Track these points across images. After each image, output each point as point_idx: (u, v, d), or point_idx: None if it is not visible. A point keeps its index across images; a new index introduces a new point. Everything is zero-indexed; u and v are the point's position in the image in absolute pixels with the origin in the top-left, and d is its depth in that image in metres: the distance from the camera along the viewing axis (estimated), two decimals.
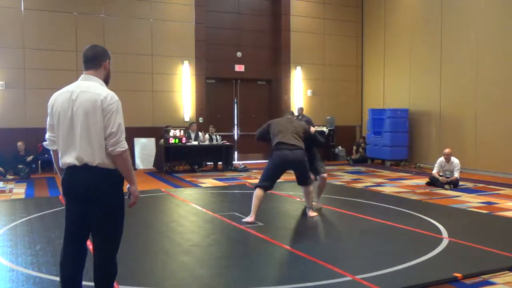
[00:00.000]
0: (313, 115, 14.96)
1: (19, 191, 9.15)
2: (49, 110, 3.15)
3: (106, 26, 12.62)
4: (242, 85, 14.70)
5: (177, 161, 12.49)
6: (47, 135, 3.18)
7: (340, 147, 15.28)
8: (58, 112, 3.07)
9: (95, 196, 3.03)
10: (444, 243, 5.19)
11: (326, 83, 15.34)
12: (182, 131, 11.92)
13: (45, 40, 12.02)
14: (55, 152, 3.17)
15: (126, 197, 3.15)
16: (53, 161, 3.27)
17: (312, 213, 6.67)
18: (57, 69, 12.13)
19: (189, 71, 13.49)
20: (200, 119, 13.61)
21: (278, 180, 6.53)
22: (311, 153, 6.92)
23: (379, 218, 6.47)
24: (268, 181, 6.32)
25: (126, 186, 3.17)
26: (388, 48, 14.77)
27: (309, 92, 15.15)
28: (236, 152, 13.81)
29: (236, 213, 6.75)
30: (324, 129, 14.82)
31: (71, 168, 3.05)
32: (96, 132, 2.99)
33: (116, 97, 3.12)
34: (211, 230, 6.09)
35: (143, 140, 13.03)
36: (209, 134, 12.81)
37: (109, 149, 2.99)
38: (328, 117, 15.09)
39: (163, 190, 9.08)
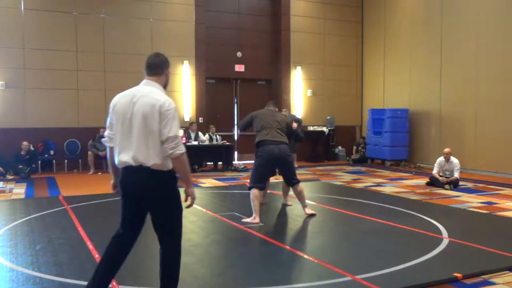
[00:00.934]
0: (313, 115, 15.05)
1: (19, 191, 9.15)
2: (110, 110, 3.35)
3: (106, 26, 12.62)
4: (242, 85, 14.70)
5: None
6: (106, 133, 3.39)
7: (340, 147, 15.28)
8: (118, 113, 3.27)
9: (148, 195, 3.24)
10: (444, 243, 5.19)
11: (326, 83, 15.34)
12: (182, 131, 11.92)
13: (45, 40, 12.02)
14: (111, 149, 3.36)
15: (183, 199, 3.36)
16: (108, 157, 3.48)
17: (308, 211, 6.66)
18: (57, 69, 12.14)
19: (189, 71, 13.49)
20: (200, 119, 13.62)
21: (278, 181, 6.53)
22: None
23: (379, 218, 6.47)
24: (262, 182, 6.37)
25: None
26: (388, 48, 14.77)
27: (309, 92, 15.15)
28: (236, 152, 13.81)
29: (236, 213, 6.75)
30: (324, 129, 14.85)
31: (126, 168, 3.25)
32: (152, 134, 3.17)
33: (173, 104, 3.28)
34: (211, 230, 6.09)
35: None
36: (209, 134, 12.80)
37: (168, 152, 3.16)
38: (328, 117, 15.09)
39: None
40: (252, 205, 6.25)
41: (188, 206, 3.41)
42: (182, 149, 3.20)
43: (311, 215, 6.62)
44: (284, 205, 7.41)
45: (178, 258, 3.48)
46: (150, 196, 3.25)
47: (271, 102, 7.41)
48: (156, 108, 3.19)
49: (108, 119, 3.36)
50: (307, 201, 6.80)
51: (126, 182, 3.29)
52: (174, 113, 3.22)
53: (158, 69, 3.42)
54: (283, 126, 6.60)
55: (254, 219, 6.17)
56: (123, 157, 3.23)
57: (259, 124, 6.56)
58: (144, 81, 3.44)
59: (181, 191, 3.43)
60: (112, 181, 3.58)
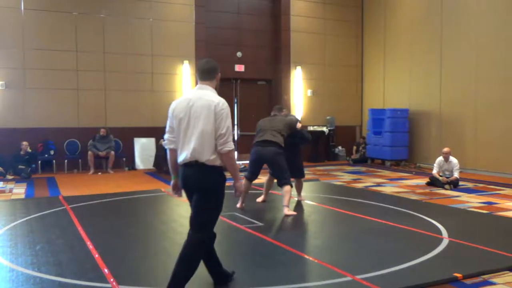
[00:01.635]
0: (313, 115, 15.04)
1: (19, 191, 9.15)
2: (169, 115, 3.70)
3: (106, 26, 12.62)
4: (242, 85, 14.69)
5: None
6: (166, 136, 3.73)
7: (340, 147, 15.28)
8: (178, 117, 3.62)
9: (200, 187, 3.56)
10: (444, 243, 5.20)
11: (326, 83, 15.34)
12: None
13: (45, 40, 12.01)
14: (172, 150, 3.71)
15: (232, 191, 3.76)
16: (168, 158, 3.76)
17: (288, 212, 6.77)
18: (57, 69, 12.14)
19: (189, 71, 13.49)
20: None
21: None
22: (295, 151, 7.39)
23: (379, 218, 6.47)
24: (250, 174, 7.12)
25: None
26: (388, 48, 14.77)
27: (309, 92, 15.14)
28: (236, 152, 13.80)
29: (236, 213, 6.76)
30: (324, 129, 14.85)
31: (184, 165, 3.60)
32: (207, 133, 3.50)
33: (226, 104, 3.61)
34: None
35: (143, 140, 13.03)
36: None
37: (218, 148, 3.51)
38: (328, 117, 15.09)
39: (163, 190, 9.07)
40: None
41: (237, 196, 3.87)
42: (230, 146, 3.54)
43: (289, 216, 6.70)
44: (279, 204, 7.40)
45: (198, 250, 3.65)
46: (199, 188, 3.57)
47: (276, 107, 7.70)
48: (212, 108, 3.52)
49: (168, 124, 3.71)
50: (308, 201, 6.85)
51: (183, 176, 3.64)
52: (227, 112, 3.57)
53: (210, 74, 3.75)
54: (280, 127, 6.99)
55: (240, 204, 6.90)
56: (182, 156, 3.59)
57: (258, 128, 7.18)
58: (198, 85, 3.75)
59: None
60: (172, 182, 3.83)
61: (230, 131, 3.55)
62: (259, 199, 7.75)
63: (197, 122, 3.53)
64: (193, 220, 3.62)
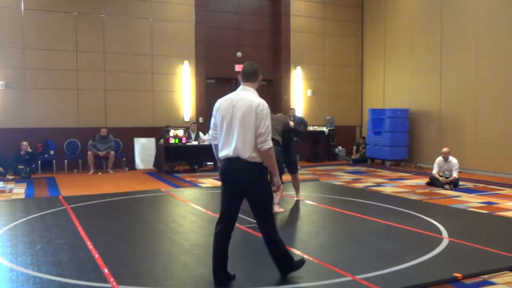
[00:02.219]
0: (313, 115, 15.03)
1: (19, 191, 9.15)
2: (214, 113, 4.00)
3: (106, 26, 12.62)
4: None
5: (177, 161, 12.49)
6: (210, 132, 4.07)
7: (340, 147, 15.28)
8: (221, 115, 3.90)
9: (243, 182, 3.85)
10: (444, 243, 5.19)
11: (326, 83, 15.34)
12: (182, 131, 11.93)
13: (45, 40, 12.02)
14: (216, 146, 4.03)
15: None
16: (214, 152, 4.10)
17: (278, 209, 6.91)
18: (57, 69, 12.14)
19: (189, 71, 13.49)
20: (200, 119, 13.62)
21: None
22: (290, 147, 7.47)
23: (379, 218, 6.47)
24: None
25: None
26: (388, 48, 14.77)
27: (309, 92, 15.15)
28: None
29: None
30: (324, 129, 14.85)
31: (226, 160, 3.88)
32: (249, 131, 3.78)
33: (266, 105, 3.87)
34: (211, 230, 6.03)
35: (143, 140, 13.02)
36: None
37: (258, 146, 3.77)
38: (328, 117, 15.09)
39: (163, 190, 9.08)
40: None
41: (274, 191, 4.06)
42: (269, 144, 3.79)
43: (278, 213, 6.85)
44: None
45: (276, 235, 3.99)
46: (244, 182, 3.84)
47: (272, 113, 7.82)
48: (253, 108, 3.79)
49: (212, 121, 4.03)
50: (307, 201, 6.84)
51: (225, 171, 3.91)
52: (267, 113, 3.83)
53: (252, 76, 4.02)
54: (278, 128, 7.07)
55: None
56: (224, 151, 3.87)
57: None
58: (241, 86, 4.02)
59: None
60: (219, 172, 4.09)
61: (269, 130, 3.81)
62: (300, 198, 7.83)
63: (239, 121, 3.80)
64: (258, 211, 3.94)
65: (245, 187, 3.87)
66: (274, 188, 4.03)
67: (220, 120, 3.92)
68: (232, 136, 3.83)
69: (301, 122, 8.65)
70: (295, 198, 7.83)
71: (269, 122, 3.82)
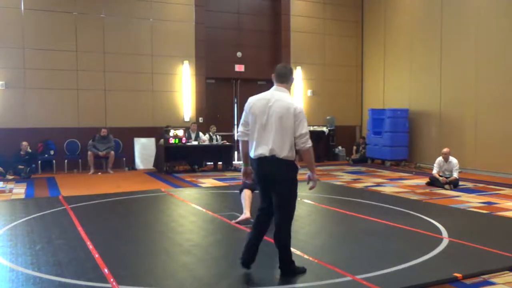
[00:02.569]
0: (313, 115, 15.04)
1: (19, 191, 9.15)
2: (246, 110, 4.15)
3: (106, 26, 12.62)
4: (242, 85, 14.70)
5: (177, 161, 12.49)
6: (241, 129, 4.18)
7: (340, 147, 15.29)
8: (255, 114, 4.05)
9: (277, 180, 3.99)
10: (444, 243, 5.19)
11: (326, 83, 15.34)
12: (182, 131, 11.93)
13: (45, 40, 12.02)
14: (244, 142, 4.18)
15: (306, 182, 4.17)
16: (240, 148, 4.24)
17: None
18: (57, 69, 12.14)
19: (189, 71, 13.50)
20: (200, 119, 13.62)
21: None
22: None
23: (379, 218, 6.47)
24: (253, 182, 6.48)
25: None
26: (388, 48, 14.77)
27: (309, 92, 15.15)
28: (236, 152, 13.80)
29: (236, 213, 6.75)
30: (324, 129, 14.85)
31: (262, 158, 4.01)
32: (287, 132, 3.94)
33: (302, 107, 4.06)
34: (211, 230, 6.09)
35: (143, 140, 13.03)
36: (209, 134, 12.81)
37: (300, 146, 3.95)
38: (328, 117, 15.10)
39: (163, 190, 9.08)
40: (243, 203, 6.36)
41: (311, 188, 4.17)
42: (310, 143, 3.98)
43: None
44: None
45: (287, 233, 4.11)
46: (277, 179, 3.99)
47: None
48: (291, 110, 3.95)
49: (243, 118, 4.17)
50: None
51: (260, 168, 4.05)
52: (304, 115, 4.03)
53: (286, 77, 4.16)
54: None
55: (245, 215, 6.25)
56: (260, 150, 4.01)
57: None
58: (275, 87, 4.15)
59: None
60: (243, 168, 4.31)
61: (308, 130, 4.00)
62: None
63: (276, 121, 3.95)
64: (278, 206, 4.05)
65: (277, 183, 4.01)
66: (311, 184, 4.16)
67: (253, 119, 4.06)
68: (268, 136, 3.98)
69: None
70: None
71: (306, 123, 4.01)
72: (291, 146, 3.96)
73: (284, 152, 3.96)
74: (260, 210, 4.25)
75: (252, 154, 4.10)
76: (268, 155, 3.97)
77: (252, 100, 4.16)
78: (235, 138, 14.44)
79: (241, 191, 6.54)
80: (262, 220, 4.22)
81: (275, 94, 4.08)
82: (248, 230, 5.82)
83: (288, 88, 4.17)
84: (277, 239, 4.11)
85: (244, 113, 4.18)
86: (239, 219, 6.25)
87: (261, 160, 4.02)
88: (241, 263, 4.19)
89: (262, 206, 4.23)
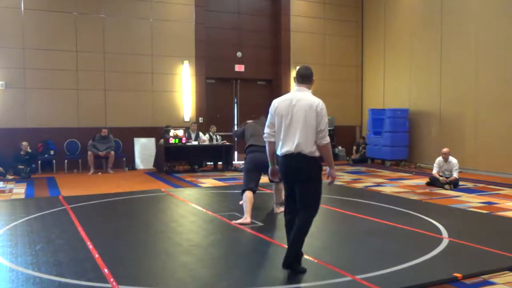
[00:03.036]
0: None
1: (19, 191, 9.15)
2: (271, 112, 4.32)
3: (106, 26, 12.62)
4: (242, 85, 14.70)
5: (177, 161, 12.50)
6: (267, 130, 4.35)
7: (340, 147, 15.28)
8: (279, 114, 4.23)
9: (303, 175, 4.15)
10: (444, 243, 5.19)
11: (326, 83, 15.32)
12: (182, 131, 11.93)
13: (45, 40, 12.02)
14: (271, 143, 4.34)
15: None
16: (267, 149, 4.39)
17: (279, 209, 6.83)
18: (57, 69, 12.14)
19: (189, 71, 13.50)
20: (200, 119, 13.62)
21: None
22: None
23: (379, 218, 6.47)
24: (253, 183, 6.61)
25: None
26: (388, 48, 14.77)
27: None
28: (236, 152, 13.80)
29: (236, 213, 6.76)
30: None
31: (287, 155, 4.17)
32: (311, 129, 4.13)
33: (324, 104, 4.25)
34: (211, 230, 6.09)
35: (143, 140, 13.03)
36: (209, 134, 12.81)
37: (318, 141, 4.14)
38: (328, 117, 15.07)
39: (163, 190, 9.08)
40: (244, 206, 6.36)
41: (330, 183, 4.35)
42: (328, 140, 4.18)
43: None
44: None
45: (307, 226, 4.22)
46: (303, 175, 4.15)
47: (263, 116, 7.68)
48: (314, 108, 4.14)
49: (269, 120, 4.33)
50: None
51: (286, 165, 4.20)
52: (325, 111, 4.23)
53: (308, 78, 4.36)
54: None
55: (245, 219, 6.25)
56: (285, 148, 4.18)
57: (249, 132, 6.94)
58: (297, 87, 4.35)
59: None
60: (270, 168, 4.46)
61: (327, 126, 4.21)
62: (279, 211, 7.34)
63: (300, 119, 4.13)
64: (303, 202, 4.18)
65: (302, 178, 4.15)
66: (330, 180, 4.31)
67: (278, 119, 4.24)
68: (293, 134, 4.14)
69: None
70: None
71: (326, 119, 4.20)
72: (315, 143, 4.14)
73: (309, 148, 4.12)
74: (288, 214, 4.36)
75: (278, 152, 4.26)
76: (294, 151, 4.12)
77: (276, 102, 4.33)
78: (235, 138, 14.46)
79: (243, 192, 6.54)
80: (292, 221, 4.31)
81: (297, 94, 4.27)
82: (249, 230, 5.83)
83: (310, 88, 4.35)
84: (297, 235, 4.17)
85: (269, 115, 4.34)
86: (239, 221, 6.25)
87: (287, 157, 4.18)
88: (282, 264, 4.26)
89: (289, 207, 4.35)
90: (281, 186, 6.87)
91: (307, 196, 4.19)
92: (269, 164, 4.45)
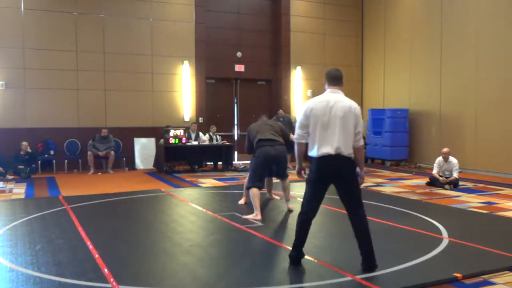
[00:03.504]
0: None
1: (19, 191, 9.15)
2: (306, 113, 4.30)
3: (106, 26, 12.62)
4: (242, 85, 14.70)
5: (177, 161, 12.49)
6: (299, 132, 4.34)
7: None
8: (316, 115, 4.23)
9: (346, 176, 4.24)
10: (444, 243, 5.19)
11: None
12: (182, 131, 11.93)
13: (45, 40, 12.02)
14: (302, 144, 4.36)
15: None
16: (297, 150, 4.41)
17: (290, 206, 6.98)
18: (57, 69, 12.14)
19: (189, 71, 13.50)
20: (200, 119, 13.62)
21: (277, 181, 6.69)
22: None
23: (379, 218, 6.47)
24: (261, 180, 6.67)
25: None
26: (388, 48, 14.77)
27: (309, 92, 15.14)
28: (236, 152, 13.81)
29: (236, 213, 6.76)
30: None
31: (326, 157, 4.19)
32: (349, 131, 4.21)
33: (359, 106, 4.36)
34: (211, 230, 6.09)
35: (143, 140, 13.03)
36: (209, 134, 12.81)
37: (354, 143, 4.25)
38: None
39: (163, 190, 9.08)
40: (253, 203, 6.45)
41: (361, 184, 4.38)
42: (362, 142, 4.33)
43: (290, 210, 6.94)
44: (279, 204, 7.40)
45: (368, 225, 4.33)
46: (344, 177, 4.24)
47: (264, 115, 7.91)
48: (352, 110, 4.24)
49: (302, 121, 4.32)
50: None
51: (325, 167, 4.24)
52: (361, 114, 4.34)
53: (340, 80, 4.42)
54: (277, 129, 6.97)
55: (256, 215, 6.37)
56: (324, 149, 4.19)
57: (254, 131, 6.94)
58: (330, 89, 4.38)
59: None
60: (298, 167, 4.53)
61: (362, 129, 4.33)
62: (274, 197, 7.89)
63: (340, 121, 4.18)
64: (352, 200, 4.28)
65: (345, 179, 4.25)
66: (360, 181, 4.36)
67: (314, 121, 4.24)
68: (331, 136, 4.18)
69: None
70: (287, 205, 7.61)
71: (362, 122, 4.33)
72: (351, 144, 4.24)
73: (348, 149, 4.21)
74: (305, 214, 4.37)
75: (313, 153, 4.26)
76: (334, 153, 4.16)
77: (312, 103, 4.33)
78: (235, 138, 14.46)
79: (248, 188, 6.64)
80: (307, 224, 4.39)
81: (333, 96, 4.31)
82: (249, 230, 5.83)
83: (342, 90, 4.41)
84: (367, 231, 4.29)
85: (303, 116, 4.32)
86: (250, 216, 6.38)
87: (326, 159, 4.19)
88: (291, 259, 4.39)
89: (304, 210, 4.37)
90: (288, 183, 7.02)
91: (357, 194, 4.28)
92: (297, 164, 4.50)
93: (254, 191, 6.50)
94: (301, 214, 4.41)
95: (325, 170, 4.24)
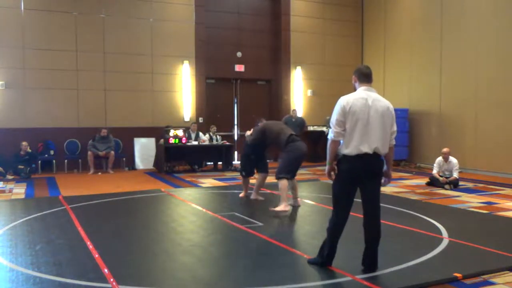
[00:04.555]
0: (313, 115, 15.03)
1: (19, 191, 9.15)
2: (346, 110, 4.10)
3: (106, 26, 12.62)
4: (242, 85, 14.70)
5: (177, 161, 12.49)
6: (337, 129, 4.15)
7: None
8: (355, 113, 4.07)
9: (373, 175, 4.18)
10: (444, 243, 5.19)
11: (326, 83, 15.33)
12: (182, 131, 11.94)
13: (45, 40, 12.02)
14: (337, 142, 4.18)
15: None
16: (331, 148, 4.22)
17: (299, 201, 7.32)
18: (57, 69, 12.14)
19: (189, 71, 13.50)
20: (200, 119, 13.62)
21: (274, 181, 6.89)
22: (264, 150, 7.75)
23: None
24: (294, 173, 7.01)
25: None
26: (388, 48, 14.77)
27: (309, 92, 15.15)
28: (236, 152, 13.81)
29: (236, 213, 6.76)
30: (324, 129, 14.85)
31: (364, 156, 4.08)
32: (387, 130, 4.18)
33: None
34: (211, 230, 6.09)
35: (143, 140, 13.03)
36: (209, 134, 12.81)
37: (391, 142, 4.25)
38: (328, 117, 15.04)
39: (163, 190, 9.08)
40: (282, 195, 6.71)
41: (385, 183, 4.36)
42: (394, 142, 4.32)
43: (298, 205, 7.23)
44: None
45: (380, 235, 4.32)
46: (375, 175, 4.19)
47: (263, 119, 8.16)
48: (390, 110, 4.22)
49: (339, 118, 4.12)
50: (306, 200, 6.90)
51: (361, 166, 4.12)
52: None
53: (371, 77, 4.33)
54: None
55: (286, 206, 6.67)
56: (362, 148, 4.07)
57: (274, 129, 7.26)
58: (366, 87, 4.24)
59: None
60: (329, 167, 4.32)
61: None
62: (242, 195, 8.12)
63: (378, 120, 4.11)
64: (376, 202, 4.23)
65: (375, 179, 4.20)
66: (387, 181, 4.34)
67: (353, 118, 4.08)
68: (371, 135, 4.08)
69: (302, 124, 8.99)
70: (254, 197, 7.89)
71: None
72: (388, 144, 4.22)
73: (385, 149, 4.18)
74: (342, 219, 4.33)
75: (350, 151, 4.10)
76: (372, 153, 4.09)
77: (349, 99, 4.14)
78: (235, 138, 14.46)
79: (279, 178, 6.75)
80: (340, 230, 4.36)
81: (370, 94, 4.20)
82: (249, 230, 5.83)
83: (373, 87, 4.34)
84: (377, 231, 4.24)
85: (341, 113, 4.12)
86: (278, 208, 6.62)
87: (363, 158, 4.09)
88: (322, 262, 4.33)
89: (344, 206, 4.33)
90: (296, 182, 7.22)
91: (379, 195, 4.25)
92: (328, 163, 4.30)
93: (284, 183, 6.73)
94: (335, 220, 4.34)
95: (359, 169, 4.11)
